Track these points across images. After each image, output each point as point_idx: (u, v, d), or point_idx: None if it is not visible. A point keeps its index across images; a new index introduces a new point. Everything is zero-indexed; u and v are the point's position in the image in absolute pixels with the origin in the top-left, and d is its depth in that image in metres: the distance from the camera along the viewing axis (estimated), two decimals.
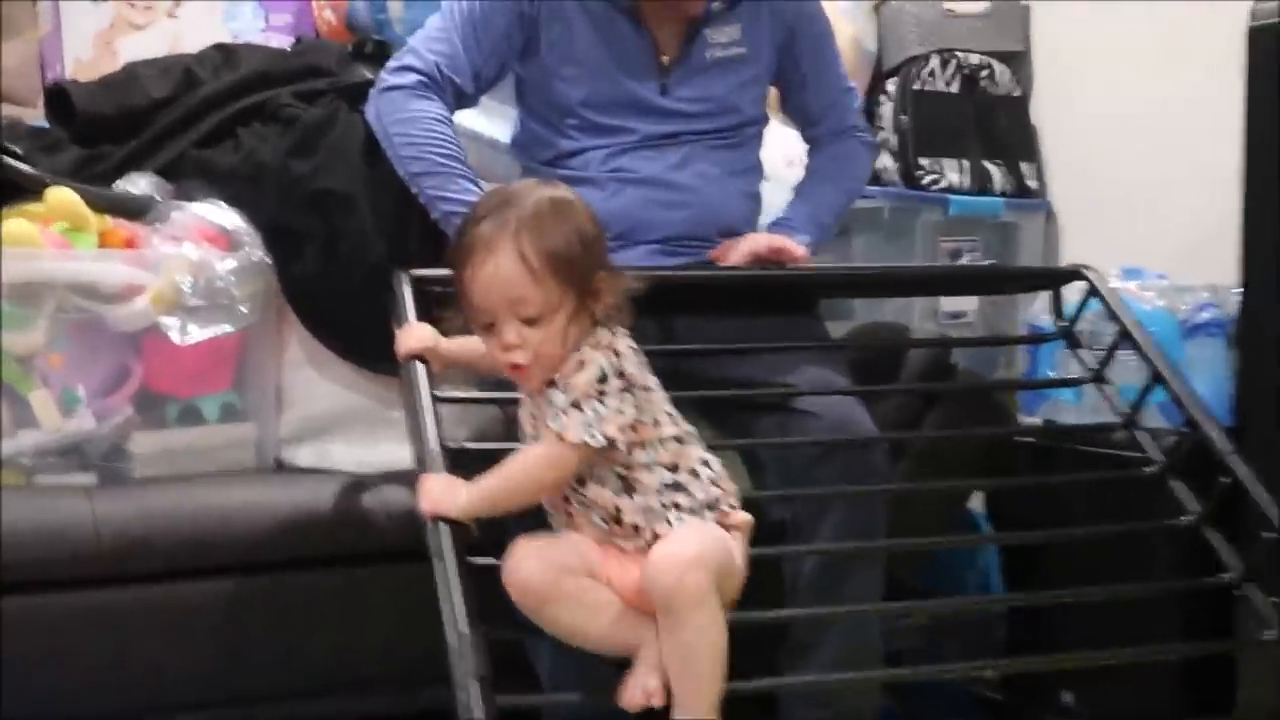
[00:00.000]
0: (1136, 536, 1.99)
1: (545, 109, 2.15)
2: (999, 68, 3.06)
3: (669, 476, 1.45)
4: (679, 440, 1.48)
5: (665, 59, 2.13)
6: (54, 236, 1.94)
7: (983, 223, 2.96)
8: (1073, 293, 2.12)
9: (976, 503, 2.50)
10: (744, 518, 1.51)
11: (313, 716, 1.96)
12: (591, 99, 2.11)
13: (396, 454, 2.02)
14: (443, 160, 2.02)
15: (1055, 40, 3.10)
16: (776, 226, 2.22)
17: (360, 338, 2.05)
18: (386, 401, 2.09)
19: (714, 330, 2.06)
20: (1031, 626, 2.32)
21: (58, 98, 2.24)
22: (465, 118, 2.21)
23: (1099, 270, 2.09)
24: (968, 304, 2.89)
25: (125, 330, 1.96)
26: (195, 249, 1.97)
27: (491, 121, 2.36)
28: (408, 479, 1.91)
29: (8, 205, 1.96)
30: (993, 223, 2.98)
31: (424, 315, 1.66)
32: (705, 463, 1.49)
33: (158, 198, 2.06)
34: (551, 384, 1.43)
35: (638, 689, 1.41)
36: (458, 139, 2.06)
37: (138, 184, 2.09)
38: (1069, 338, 2.12)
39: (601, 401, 1.40)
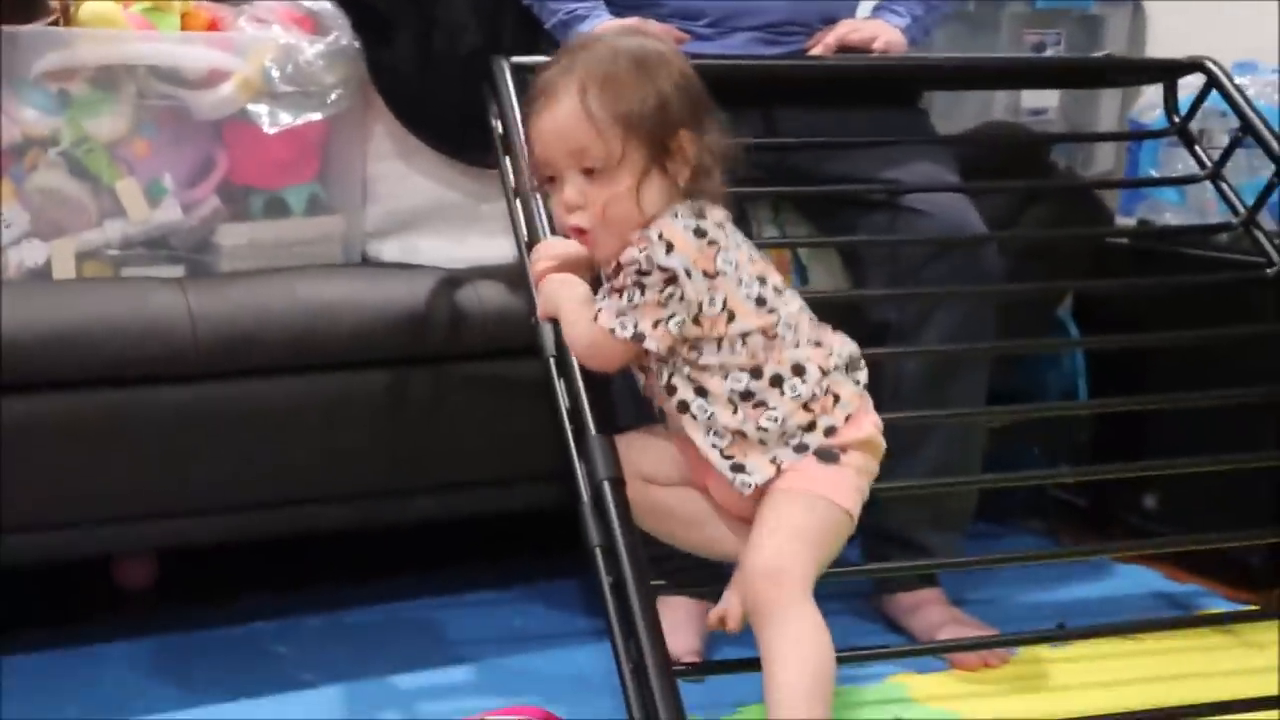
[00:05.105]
0: (1236, 342, 1.95)
1: None
2: None
3: (742, 383, 1.28)
4: (766, 335, 1.29)
5: None
6: (135, 17, 1.86)
7: (1068, 15, 2.83)
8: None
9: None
10: (863, 437, 1.30)
11: (413, 513, 1.94)
12: None
13: (486, 250, 2.00)
14: None
15: None
16: (878, 11, 2.12)
17: (453, 129, 1.98)
18: (477, 196, 2.03)
19: (817, 123, 1.98)
20: (1118, 431, 2.29)
21: None
22: None
23: (1219, 62, 2.03)
24: (1049, 99, 2.75)
25: (210, 118, 1.89)
26: (283, 32, 1.89)
27: None
28: (503, 274, 1.91)
29: None
30: (1078, 15, 2.84)
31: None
32: (799, 369, 1.29)
33: None
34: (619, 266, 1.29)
35: (717, 612, 1.35)
36: None
37: None
38: (1184, 135, 2.07)
39: (641, 290, 1.26)
